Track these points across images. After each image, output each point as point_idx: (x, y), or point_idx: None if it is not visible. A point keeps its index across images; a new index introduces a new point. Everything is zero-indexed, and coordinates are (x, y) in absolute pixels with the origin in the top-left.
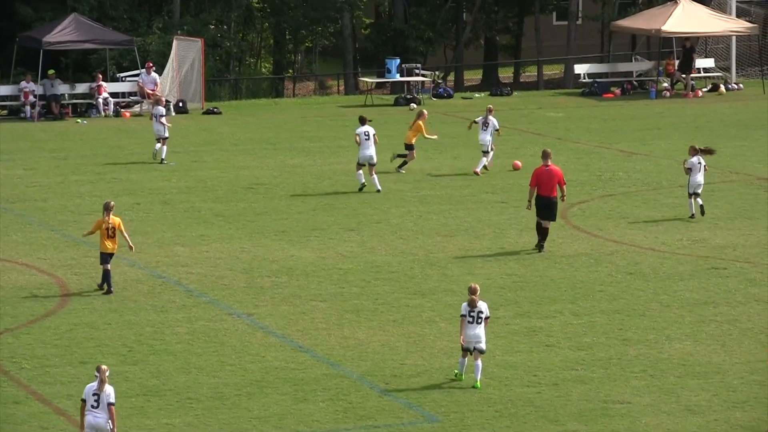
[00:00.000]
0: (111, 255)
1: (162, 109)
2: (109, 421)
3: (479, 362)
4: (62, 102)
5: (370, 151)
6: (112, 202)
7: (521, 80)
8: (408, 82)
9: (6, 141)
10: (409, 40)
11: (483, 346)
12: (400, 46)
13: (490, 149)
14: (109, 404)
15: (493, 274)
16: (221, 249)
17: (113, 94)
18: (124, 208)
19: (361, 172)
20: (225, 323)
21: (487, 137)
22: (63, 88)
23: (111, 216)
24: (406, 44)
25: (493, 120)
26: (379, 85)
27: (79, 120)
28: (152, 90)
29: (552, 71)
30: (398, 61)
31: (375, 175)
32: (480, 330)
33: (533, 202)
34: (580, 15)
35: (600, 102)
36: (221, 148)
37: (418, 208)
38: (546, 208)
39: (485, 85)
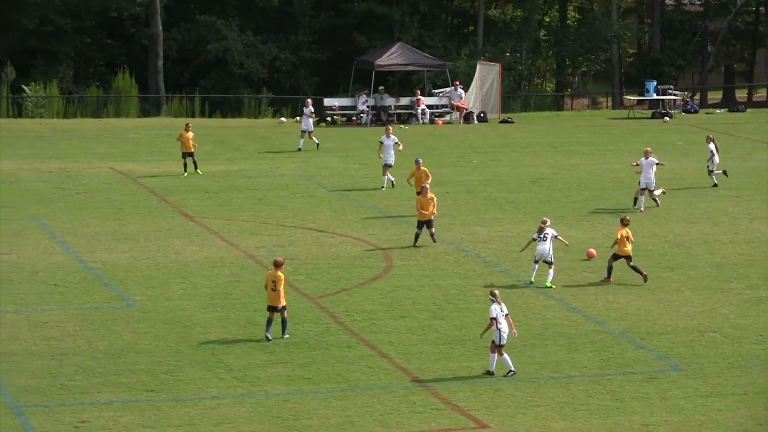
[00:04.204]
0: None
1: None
2: (510, 327)
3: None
4: (389, 111)
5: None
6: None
7: (754, 99)
8: (662, 100)
9: (343, 141)
10: (664, 66)
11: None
12: (656, 71)
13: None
14: (506, 315)
15: (728, 253)
16: (512, 229)
17: (429, 106)
18: (437, 196)
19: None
20: (514, 288)
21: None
22: (390, 101)
23: None
24: (662, 69)
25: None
26: (639, 102)
27: (402, 126)
28: (459, 103)
29: None
30: (655, 83)
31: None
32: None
33: None
34: None
35: None
36: (513, 150)
37: (668, 201)
38: None
39: (724, 103)
